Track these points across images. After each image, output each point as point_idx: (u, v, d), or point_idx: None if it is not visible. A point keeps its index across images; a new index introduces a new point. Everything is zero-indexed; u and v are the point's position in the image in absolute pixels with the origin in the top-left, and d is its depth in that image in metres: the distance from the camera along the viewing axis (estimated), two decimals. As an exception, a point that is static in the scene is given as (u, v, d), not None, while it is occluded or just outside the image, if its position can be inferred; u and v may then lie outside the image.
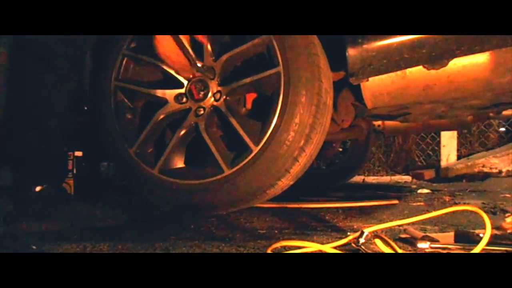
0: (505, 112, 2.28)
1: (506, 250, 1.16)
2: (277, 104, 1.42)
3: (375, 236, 1.15)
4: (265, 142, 1.42)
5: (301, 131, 1.41)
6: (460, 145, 4.21)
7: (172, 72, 1.60)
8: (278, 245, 1.18)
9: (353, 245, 1.23)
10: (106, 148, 1.71)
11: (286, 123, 1.41)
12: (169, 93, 1.60)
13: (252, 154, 1.44)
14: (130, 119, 1.68)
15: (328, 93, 1.47)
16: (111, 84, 1.67)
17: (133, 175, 1.65)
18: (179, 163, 1.60)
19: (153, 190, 1.62)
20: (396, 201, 2.24)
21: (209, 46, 1.55)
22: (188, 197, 1.54)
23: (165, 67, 1.61)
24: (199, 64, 1.54)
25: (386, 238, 1.13)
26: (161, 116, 1.60)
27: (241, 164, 1.45)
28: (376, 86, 1.52)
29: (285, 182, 1.47)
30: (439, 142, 4.23)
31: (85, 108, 1.82)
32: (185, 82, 1.59)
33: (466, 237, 1.25)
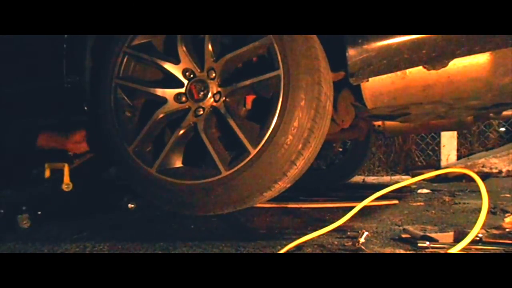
0: (505, 112, 2.28)
1: (504, 250, 1.16)
2: (276, 107, 1.42)
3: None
4: (263, 145, 1.42)
5: (300, 135, 1.41)
6: (460, 145, 4.22)
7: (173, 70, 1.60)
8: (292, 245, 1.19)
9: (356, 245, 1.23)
10: (104, 146, 1.71)
11: (285, 127, 1.41)
12: (169, 92, 1.60)
13: (250, 156, 1.44)
14: (129, 117, 1.68)
15: (328, 97, 1.47)
16: (111, 81, 1.67)
17: (131, 174, 1.64)
18: (177, 162, 1.60)
19: (151, 189, 1.61)
20: (396, 201, 2.24)
21: (210, 47, 1.55)
22: (185, 197, 1.54)
23: (165, 66, 1.61)
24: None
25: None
26: (161, 115, 1.60)
27: (239, 166, 1.45)
28: (376, 87, 1.52)
29: (282, 185, 1.47)
30: (439, 142, 4.24)
31: (85, 108, 1.82)
32: (185, 82, 1.59)
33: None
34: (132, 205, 1.98)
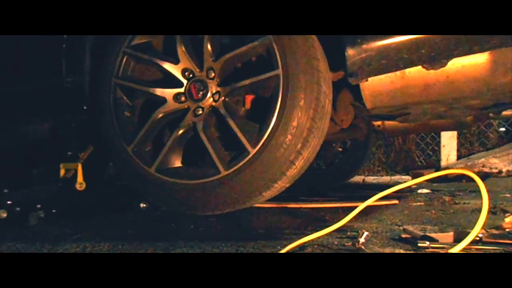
0: (505, 112, 2.28)
1: (504, 250, 1.16)
2: (275, 106, 1.42)
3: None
4: (262, 145, 1.42)
5: (299, 134, 1.41)
6: (460, 145, 4.21)
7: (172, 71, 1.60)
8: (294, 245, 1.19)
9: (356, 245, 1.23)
10: (104, 145, 1.71)
11: (284, 126, 1.41)
12: (168, 92, 1.60)
13: (249, 156, 1.44)
14: (128, 117, 1.68)
15: (327, 96, 1.47)
16: (110, 81, 1.67)
17: (130, 174, 1.64)
18: (177, 162, 1.60)
19: (150, 189, 1.61)
20: (396, 201, 2.24)
21: (209, 46, 1.55)
22: (184, 196, 1.54)
23: (165, 66, 1.61)
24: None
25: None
26: (160, 115, 1.60)
27: (238, 166, 1.45)
28: (376, 86, 1.52)
29: (281, 185, 1.47)
30: (439, 142, 4.23)
31: (85, 107, 1.82)
32: (185, 82, 1.59)
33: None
34: (144, 205, 1.98)
